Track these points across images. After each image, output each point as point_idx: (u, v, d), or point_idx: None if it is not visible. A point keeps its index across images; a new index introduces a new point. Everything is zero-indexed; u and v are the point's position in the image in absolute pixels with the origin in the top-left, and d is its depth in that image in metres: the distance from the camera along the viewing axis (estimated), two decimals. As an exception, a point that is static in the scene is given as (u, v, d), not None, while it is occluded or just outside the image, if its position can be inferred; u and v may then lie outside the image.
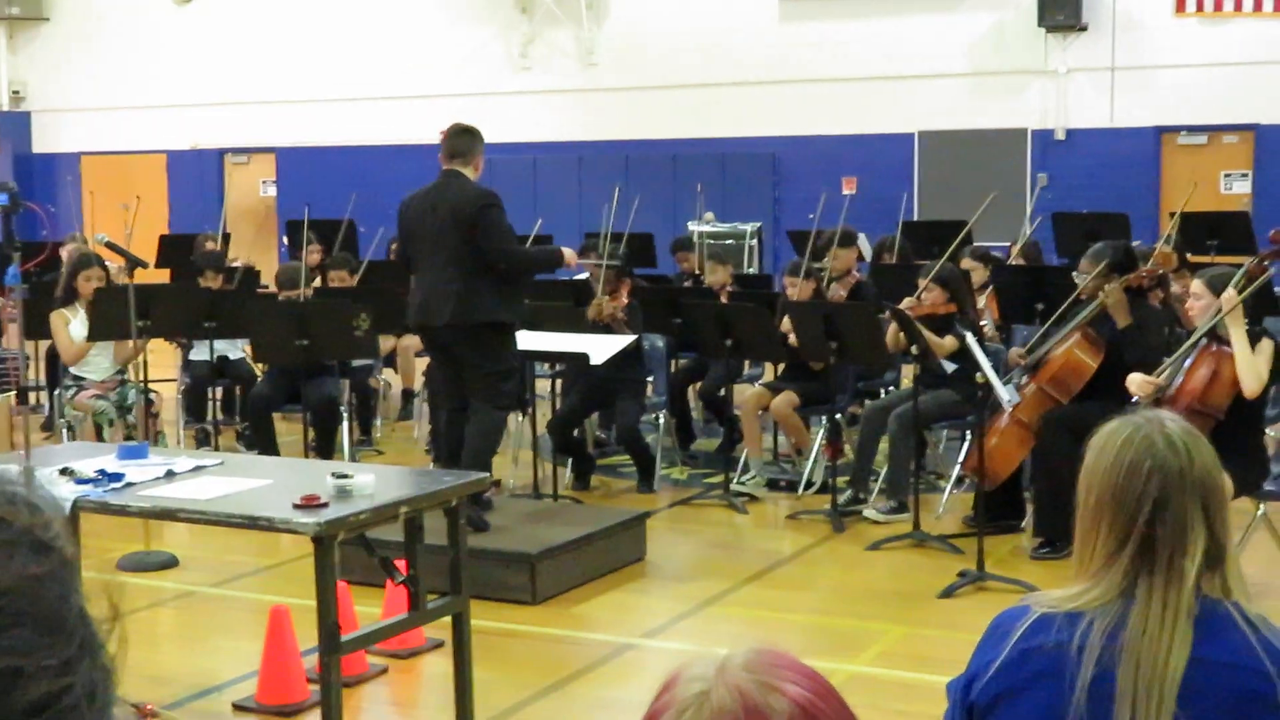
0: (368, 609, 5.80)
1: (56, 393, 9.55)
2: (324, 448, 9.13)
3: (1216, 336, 6.41)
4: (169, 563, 7.27)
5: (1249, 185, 16.32)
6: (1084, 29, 16.54)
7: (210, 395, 10.22)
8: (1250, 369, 6.25)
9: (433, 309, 7.05)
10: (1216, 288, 6.39)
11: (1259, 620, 2.24)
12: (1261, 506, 6.66)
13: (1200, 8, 16.19)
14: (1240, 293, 6.34)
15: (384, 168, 18.18)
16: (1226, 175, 16.41)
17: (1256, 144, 16.29)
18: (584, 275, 10.03)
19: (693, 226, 16.12)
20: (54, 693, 0.73)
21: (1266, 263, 6.83)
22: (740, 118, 18.00)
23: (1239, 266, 6.64)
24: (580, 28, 18.79)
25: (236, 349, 10.21)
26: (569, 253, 7.65)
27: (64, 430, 8.99)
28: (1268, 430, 7.18)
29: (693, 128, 18.22)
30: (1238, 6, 16.05)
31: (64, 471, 4.88)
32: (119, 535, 7.22)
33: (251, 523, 4.51)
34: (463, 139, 7.20)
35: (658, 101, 18.35)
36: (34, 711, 0.72)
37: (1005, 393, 6.92)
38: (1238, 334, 6.30)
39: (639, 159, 18.13)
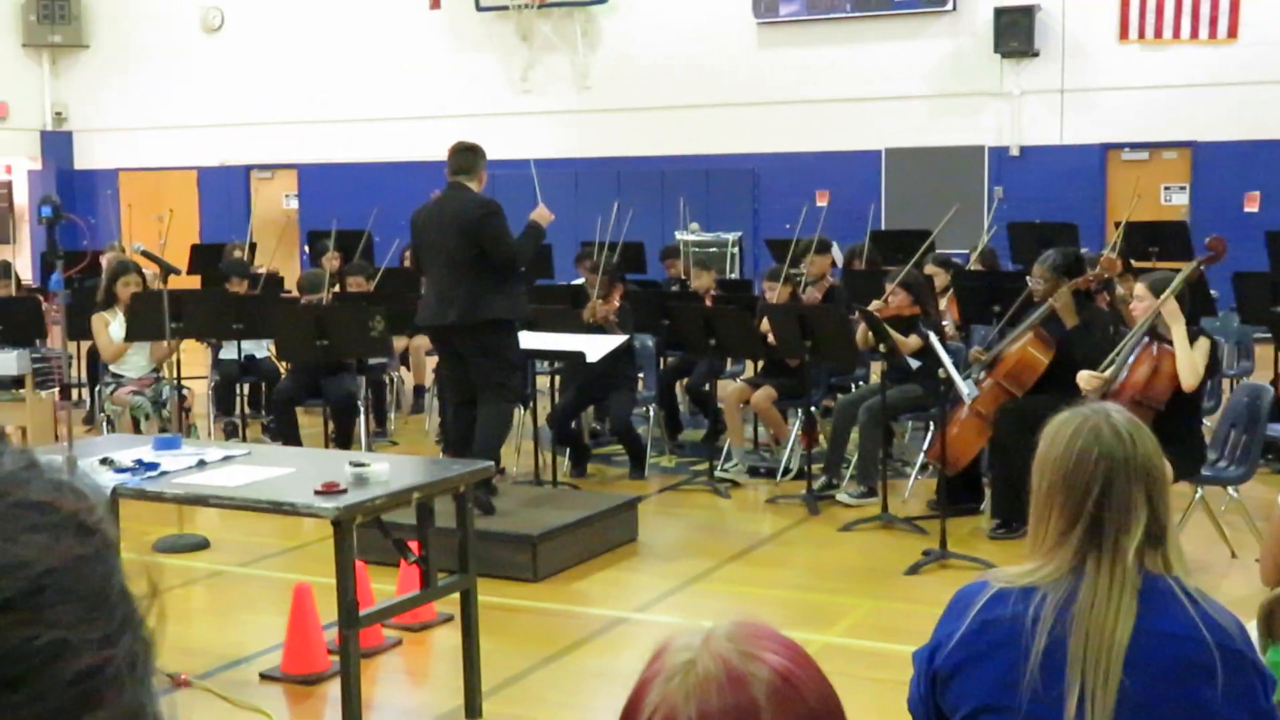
0: (383, 586, 5.79)
1: (97, 389, 9.53)
2: (342, 439, 9.11)
3: (1157, 335, 6.42)
4: (201, 544, 7.25)
5: (1186, 197, 16.33)
6: (1036, 55, 16.54)
7: (238, 391, 10.20)
8: (1188, 364, 6.26)
9: (440, 309, 7.02)
10: (1157, 290, 6.41)
11: (1197, 594, 2.25)
12: (1199, 490, 6.68)
13: (1142, 35, 16.21)
14: (1178, 294, 6.36)
15: (396, 182, 18.12)
16: (1166, 188, 16.42)
17: (1193, 159, 16.30)
18: (580, 281, 10.02)
19: (679, 235, 16.13)
20: (98, 663, 0.73)
21: (1202, 267, 6.85)
22: (722, 136, 17.99)
23: (1178, 271, 6.66)
24: (576, 54, 18.76)
25: (262, 349, 10.19)
26: (543, 213, 7.33)
27: (104, 423, 8.97)
28: (1204, 420, 7.19)
29: (679, 145, 18.20)
30: (1176, 34, 16.07)
31: (104, 461, 4.87)
32: (155, 519, 7.20)
33: (276, 507, 4.51)
34: (466, 156, 7.17)
35: (647, 121, 18.34)
36: (80, 680, 0.72)
37: (965, 387, 6.94)
38: (1178, 332, 6.31)
39: (630, 174, 18.10)
